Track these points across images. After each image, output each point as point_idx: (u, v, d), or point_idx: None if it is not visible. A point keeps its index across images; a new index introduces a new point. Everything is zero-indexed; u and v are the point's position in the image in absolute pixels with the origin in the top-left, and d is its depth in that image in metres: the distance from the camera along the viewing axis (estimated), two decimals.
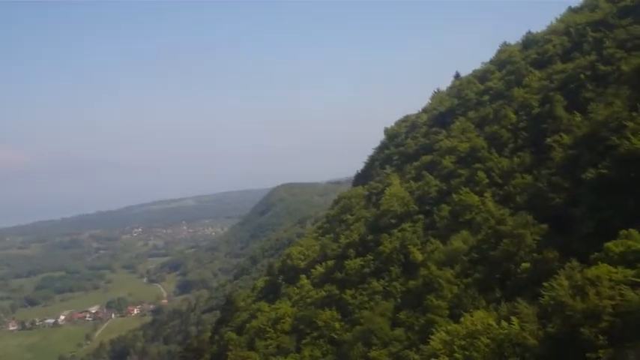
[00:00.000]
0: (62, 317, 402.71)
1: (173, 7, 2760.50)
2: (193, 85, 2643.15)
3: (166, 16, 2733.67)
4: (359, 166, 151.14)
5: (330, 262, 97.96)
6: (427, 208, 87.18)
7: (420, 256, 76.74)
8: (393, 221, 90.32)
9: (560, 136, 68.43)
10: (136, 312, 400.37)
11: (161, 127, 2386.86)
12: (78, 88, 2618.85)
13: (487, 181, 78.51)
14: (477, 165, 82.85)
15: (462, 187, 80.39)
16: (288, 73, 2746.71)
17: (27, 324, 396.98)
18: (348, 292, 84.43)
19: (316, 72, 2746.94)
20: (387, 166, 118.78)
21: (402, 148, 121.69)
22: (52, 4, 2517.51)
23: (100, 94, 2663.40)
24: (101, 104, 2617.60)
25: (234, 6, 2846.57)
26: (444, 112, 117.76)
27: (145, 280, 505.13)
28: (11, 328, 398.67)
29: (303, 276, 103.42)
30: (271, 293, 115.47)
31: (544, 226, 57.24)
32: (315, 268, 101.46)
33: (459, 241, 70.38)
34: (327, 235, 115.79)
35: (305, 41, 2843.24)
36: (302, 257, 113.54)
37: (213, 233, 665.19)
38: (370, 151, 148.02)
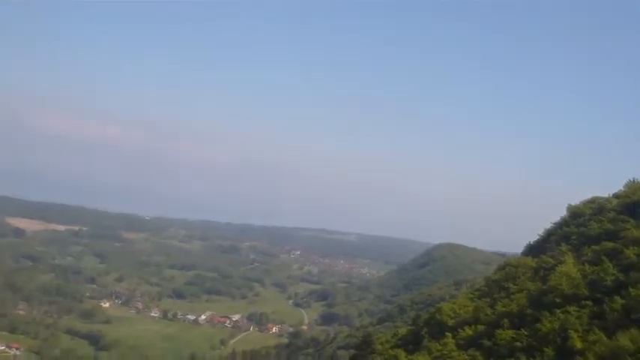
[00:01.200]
0: (203, 317, 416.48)
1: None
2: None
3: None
4: (525, 241, 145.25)
5: (481, 327, 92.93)
6: (598, 295, 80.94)
7: (579, 344, 71.06)
8: (557, 300, 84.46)
9: None
10: (274, 330, 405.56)
11: (342, 160, 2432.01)
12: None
13: None
14: None
15: None
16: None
17: (169, 314, 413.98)
18: None
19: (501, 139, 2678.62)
20: (563, 244, 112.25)
21: (584, 229, 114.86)
22: None
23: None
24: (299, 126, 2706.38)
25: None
26: (637, 202, 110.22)
27: (291, 302, 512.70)
28: (153, 314, 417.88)
29: (449, 334, 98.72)
30: (411, 344, 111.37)
31: None
32: (464, 329, 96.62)
33: (626, 339, 64.53)
34: (483, 299, 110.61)
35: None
36: (452, 315, 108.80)
37: (368, 274, 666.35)
38: (540, 227, 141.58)
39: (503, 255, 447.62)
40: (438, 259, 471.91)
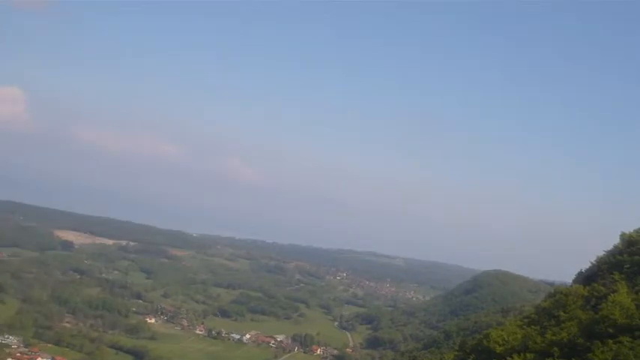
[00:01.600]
0: (248, 336, 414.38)
1: None
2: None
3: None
4: (573, 271, 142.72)
5: (530, 356, 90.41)
6: None
7: None
8: (610, 330, 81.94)
9: None
10: (318, 352, 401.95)
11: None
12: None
13: None
14: None
15: None
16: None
17: (214, 332, 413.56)
18: None
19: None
20: (616, 272, 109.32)
21: (638, 258, 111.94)
22: None
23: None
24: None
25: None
26: None
27: (336, 324, 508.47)
28: (198, 332, 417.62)
29: None
30: None
31: None
32: (512, 357, 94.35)
33: None
34: (532, 326, 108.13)
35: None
36: (500, 342, 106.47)
37: (414, 299, 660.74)
38: (591, 253, 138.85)
39: (550, 284, 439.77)
40: (484, 286, 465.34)
